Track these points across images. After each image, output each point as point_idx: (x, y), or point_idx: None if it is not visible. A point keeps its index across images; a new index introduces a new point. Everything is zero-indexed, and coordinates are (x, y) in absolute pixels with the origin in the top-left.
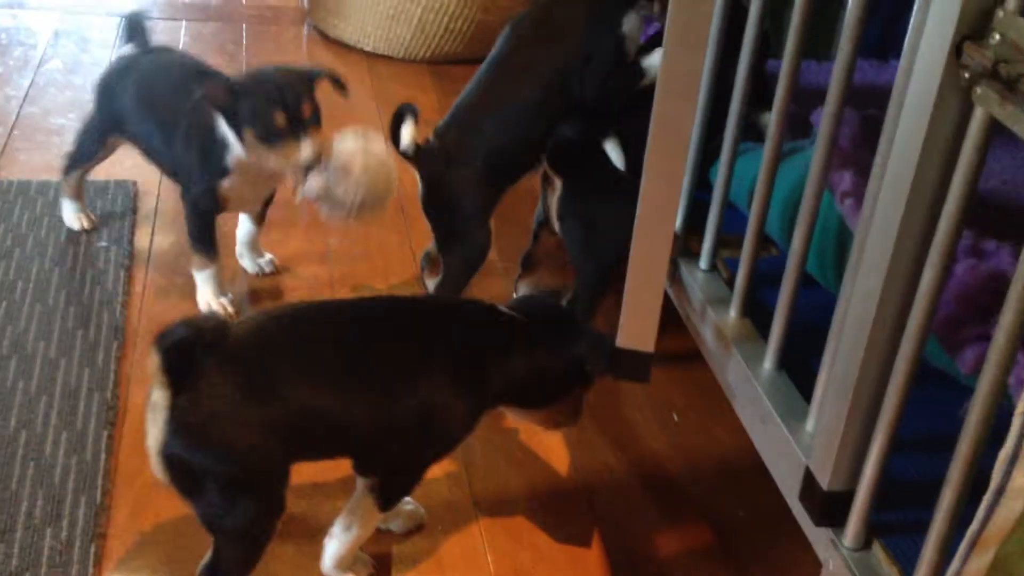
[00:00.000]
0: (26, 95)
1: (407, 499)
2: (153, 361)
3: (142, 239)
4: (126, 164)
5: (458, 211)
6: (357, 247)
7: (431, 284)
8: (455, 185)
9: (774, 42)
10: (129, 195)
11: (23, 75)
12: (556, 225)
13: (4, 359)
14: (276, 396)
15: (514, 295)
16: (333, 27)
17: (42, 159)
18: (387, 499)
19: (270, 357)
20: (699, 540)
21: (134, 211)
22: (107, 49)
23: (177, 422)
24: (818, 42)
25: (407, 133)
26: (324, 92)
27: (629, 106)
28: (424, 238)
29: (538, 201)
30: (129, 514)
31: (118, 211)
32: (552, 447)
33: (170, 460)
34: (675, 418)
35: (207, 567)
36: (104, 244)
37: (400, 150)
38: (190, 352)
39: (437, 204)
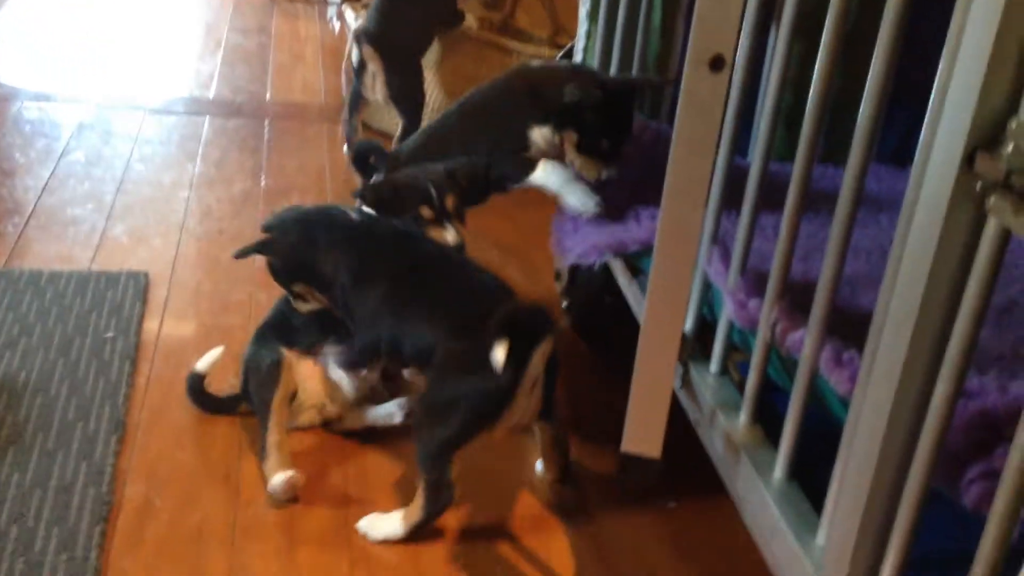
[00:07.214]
0: (45, 186)
1: None
2: None
3: (150, 331)
4: (140, 255)
5: None
6: None
7: None
8: None
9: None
10: (140, 286)
11: (44, 166)
12: None
13: (0, 451)
14: None
15: None
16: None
17: (56, 250)
18: None
19: None
20: None
21: (144, 302)
22: (130, 142)
23: None
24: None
25: None
26: None
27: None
28: None
29: None
30: None
31: (128, 301)
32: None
33: None
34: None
35: None
36: (111, 335)
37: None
38: None
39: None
